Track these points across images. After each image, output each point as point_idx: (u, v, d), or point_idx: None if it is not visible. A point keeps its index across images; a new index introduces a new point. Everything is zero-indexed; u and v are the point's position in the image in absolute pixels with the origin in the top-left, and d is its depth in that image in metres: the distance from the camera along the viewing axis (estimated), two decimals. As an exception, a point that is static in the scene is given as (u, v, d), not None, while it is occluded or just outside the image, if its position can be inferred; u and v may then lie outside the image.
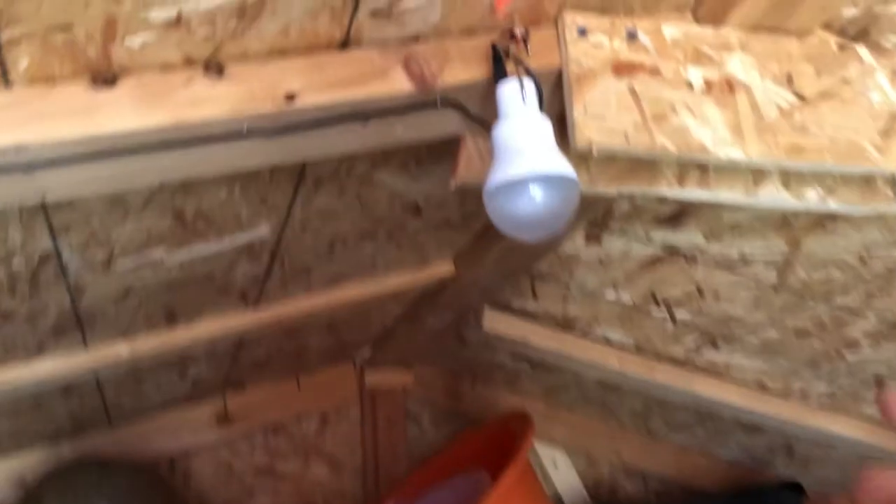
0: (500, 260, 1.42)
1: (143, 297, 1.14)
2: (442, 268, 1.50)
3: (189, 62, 0.66)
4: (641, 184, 0.89)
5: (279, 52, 0.69)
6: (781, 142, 0.81)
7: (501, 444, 1.75)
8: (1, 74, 0.60)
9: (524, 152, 0.68)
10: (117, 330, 1.24)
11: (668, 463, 2.30)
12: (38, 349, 1.20)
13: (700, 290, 1.50)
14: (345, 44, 0.72)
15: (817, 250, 1.32)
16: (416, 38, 0.75)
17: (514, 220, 0.69)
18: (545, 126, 0.71)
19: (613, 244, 1.39)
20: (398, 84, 0.72)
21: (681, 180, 0.90)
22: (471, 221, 1.31)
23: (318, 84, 0.69)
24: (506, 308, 1.70)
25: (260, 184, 0.93)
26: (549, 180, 0.67)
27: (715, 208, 1.25)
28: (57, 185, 0.67)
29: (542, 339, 1.72)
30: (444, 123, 0.81)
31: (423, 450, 2.16)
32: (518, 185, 0.67)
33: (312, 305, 1.41)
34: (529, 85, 0.70)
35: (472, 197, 1.20)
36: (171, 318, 1.28)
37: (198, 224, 0.97)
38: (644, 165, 0.88)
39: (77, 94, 0.63)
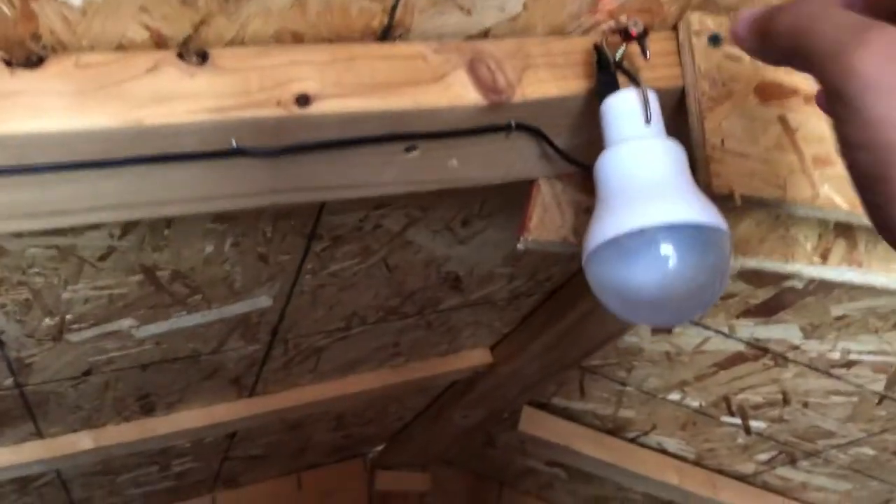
0: (547, 350, 1.18)
1: (109, 379, 0.91)
2: (477, 357, 1.26)
3: (158, 43, 0.45)
4: (772, 256, 0.65)
5: (293, 37, 0.48)
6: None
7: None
8: None
9: (650, 193, 0.45)
10: (77, 417, 1.00)
11: None
12: (-23, 439, 0.96)
13: (786, 396, 1.25)
14: (386, 33, 0.50)
15: (945, 355, 1.07)
16: (485, 34, 0.53)
17: (635, 295, 0.46)
18: (679, 155, 0.48)
19: (687, 335, 1.15)
20: (461, 93, 0.50)
21: (824, 255, 0.66)
22: (519, 302, 1.08)
23: (346, 85, 0.47)
24: (547, 406, 1.45)
25: (259, 236, 0.70)
26: (687, 235, 0.44)
27: (821, 297, 1.01)
28: (-48, 214, 0.45)
29: (587, 444, 1.46)
30: (514, 158, 0.59)
31: (439, 566, 1.87)
32: (643, 241, 0.44)
33: (320, 396, 1.17)
34: (653, 97, 0.48)
35: (529, 269, 0.97)
36: (147, 405, 1.04)
37: (176, 288, 0.74)
38: (776, 229, 0.65)
39: (-18, 75, 0.41)
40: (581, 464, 1.53)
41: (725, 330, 1.12)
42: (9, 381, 0.83)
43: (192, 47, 0.45)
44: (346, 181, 0.54)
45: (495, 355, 1.26)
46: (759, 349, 1.15)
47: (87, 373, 0.87)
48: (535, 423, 1.44)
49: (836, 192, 0.55)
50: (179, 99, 0.44)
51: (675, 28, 0.58)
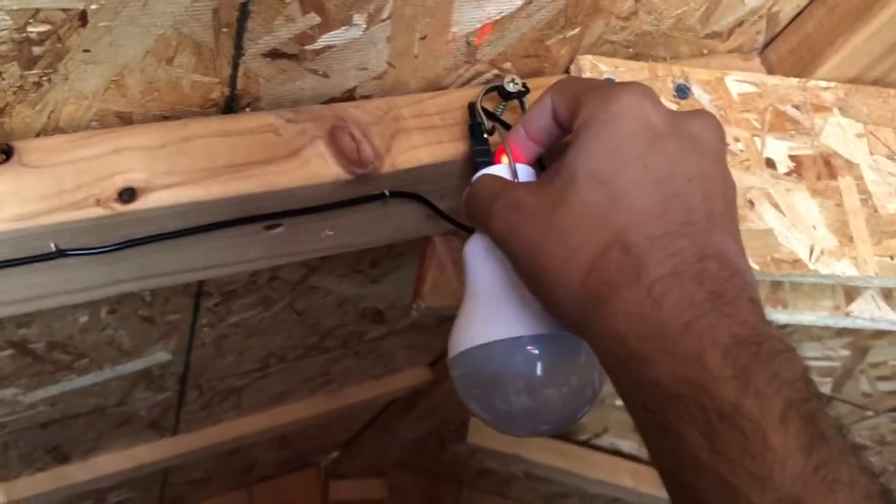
0: (487, 368, 1.14)
1: (7, 440, 0.85)
2: (417, 375, 1.21)
3: (-53, 137, 0.39)
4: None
5: (119, 118, 0.42)
6: (906, 247, 0.53)
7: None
8: None
9: (520, 289, 0.40)
10: (-18, 475, 0.94)
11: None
12: None
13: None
14: (231, 104, 0.44)
15: (887, 358, 1.04)
16: (350, 95, 0.48)
17: (506, 407, 0.41)
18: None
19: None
20: (319, 170, 0.44)
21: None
22: (451, 322, 1.03)
23: (179, 173, 0.41)
24: (495, 415, 1.41)
25: (137, 301, 0.64)
26: (558, 339, 0.39)
27: (769, 310, 0.97)
28: None
29: (538, 452, 1.42)
30: (400, 221, 0.53)
31: (399, 573, 1.84)
32: (510, 348, 0.39)
33: (249, 430, 1.12)
34: (526, 172, 0.42)
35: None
36: (60, 455, 0.98)
37: (56, 356, 0.68)
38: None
39: None
40: (535, 469, 1.50)
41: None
42: None
43: (-9, 142, 0.39)
44: (203, 263, 0.48)
45: (435, 372, 1.22)
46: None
47: (-20, 437, 0.81)
48: (484, 434, 1.40)
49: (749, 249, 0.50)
50: (-23, 206, 0.38)
51: (567, 71, 0.53)
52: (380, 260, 0.75)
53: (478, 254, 0.43)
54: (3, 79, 0.37)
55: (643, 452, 1.45)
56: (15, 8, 0.33)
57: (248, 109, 0.45)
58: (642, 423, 0.34)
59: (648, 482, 1.46)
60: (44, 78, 0.38)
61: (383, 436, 1.53)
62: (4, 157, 0.39)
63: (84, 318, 0.63)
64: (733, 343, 0.32)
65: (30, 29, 0.34)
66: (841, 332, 0.99)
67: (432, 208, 0.51)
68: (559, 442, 1.44)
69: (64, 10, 0.34)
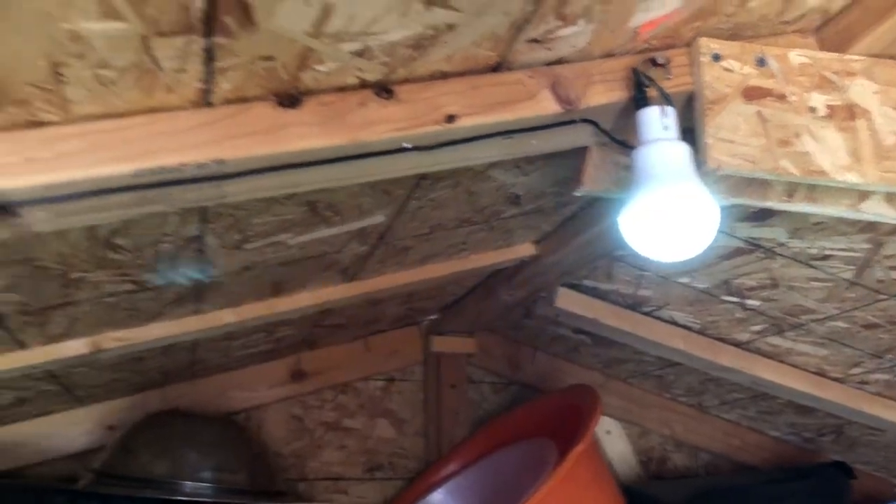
0: (583, 246, 1.48)
1: (259, 272, 1.22)
2: (524, 249, 1.56)
3: (363, 84, 0.72)
4: (753, 197, 0.93)
5: (440, 75, 0.75)
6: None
7: (566, 415, 1.82)
8: (204, 96, 0.67)
9: (665, 179, 0.73)
10: (227, 299, 1.32)
11: (717, 437, 2.38)
12: (157, 316, 1.28)
13: (775, 281, 1.55)
14: (497, 67, 0.77)
15: (898, 252, 1.35)
16: (560, 61, 0.80)
17: (652, 244, 0.74)
18: (685, 152, 0.76)
19: (696, 235, 1.44)
20: (546, 106, 0.77)
21: (790, 195, 0.94)
22: (563, 209, 1.36)
23: (475, 106, 0.75)
24: (578, 287, 1.76)
25: (387, 180, 0.99)
26: (689, 207, 0.72)
27: (802, 209, 1.29)
28: (236, 191, 0.74)
29: (611, 317, 1.78)
30: (576, 137, 0.86)
31: (481, 414, 2.25)
32: (660, 210, 0.72)
33: (401, 280, 1.48)
34: (671, 112, 0.75)
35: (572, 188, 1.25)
36: (277, 289, 1.36)
37: (326, 213, 1.03)
38: (757, 181, 0.92)
39: (266, 113, 0.69)
40: (604, 332, 1.86)
41: (727, 230, 1.41)
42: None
43: (383, 87, 0.73)
44: (466, 157, 0.82)
45: (539, 248, 1.56)
46: (754, 245, 1.44)
47: (246, 268, 1.18)
48: (569, 301, 1.75)
49: (792, 164, 0.82)
50: (379, 123, 0.72)
51: (689, 45, 0.84)
52: (534, 159, 1.08)
53: (640, 159, 0.76)
54: (401, 55, 0.70)
55: (694, 323, 1.80)
56: None
57: (506, 71, 0.78)
58: None
59: (697, 346, 1.81)
60: (419, 54, 0.71)
61: (484, 300, 1.89)
62: (388, 95, 0.73)
63: (355, 188, 0.98)
64: None
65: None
66: (863, 227, 1.30)
67: (600, 128, 0.83)
68: (627, 311, 1.79)
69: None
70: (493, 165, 1.05)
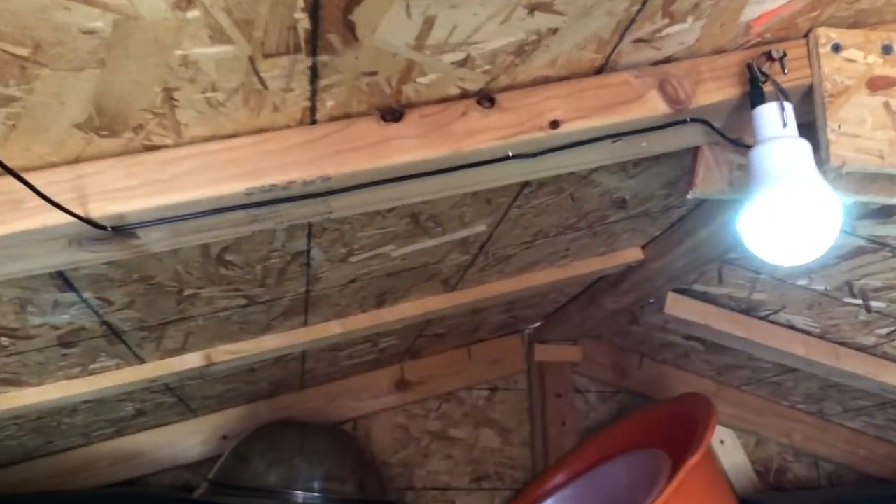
0: (693, 249, 1.43)
1: (364, 284, 1.23)
2: (630, 255, 1.51)
3: (464, 94, 0.71)
4: (880, 194, 0.87)
5: (543, 80, 0.73)
6: None
7: (679, 424, 1.76)
8: (309, 113, 0.67)
9: (785, 178, 0.69)
10: (334, 311, 1.34)
11: (840, 447, 2.25)
12: (267, 329, 1.31)
13: (902, 282, 1.45)
14: (602, 69, 0.75)
15: None
16: (667, 60, 0.77)
17: (772, 247, 0.70)
18: (806, 149, 0.71)
19: (814, 235, 1.36)
20: (654, 106, 0.74)
21: (921, 190, 0.88)
22: (671, 212, 1.32)
23: (579, 110, 0.73)
24: (687, 292, 1.70)
25: (490, 189, 0.97)
26: (811, 208, 0.68)
27: (933, 203, 1.20)
28: (342, 206, 0.74)
29: (724, 322, 1.71)
30: (687, 137, 0.83)
31: (588, 423, 2.21)
32: (780, 211, 0.68)
33: (503, 289, 1.47)
34: (789, 108, 0.71)
35: (683, 190, 1.20)
36: (381, 300, 1.37)
37: (428, 224, 1.03)
38: (884, 176, 0.87)
39: (369, 128, 0.69)
40: (717, 338, 1.79)
41: (848, 229, 1.33)
42: (303, 290, 1.16)
43: (484, 96, 0.72)
44: (572, 163, 0.80)
45: (646, 253, 1.52)
46: (878, 244, 1.35)
47: (352, 281, 1.19)
48: (679, 306, 1.70)
49: (926, 157, 0.76)
50: (481, 132, 0.71)
51: (805, 36, 0.79)
52: (641, 161, 1.05)
53: (758, 157, 0.72)
54: (503, 63, 0.69)
55: (814, 327, 1.70)
56: None
57: (610, 72, 0.75)
58: None
59: (818, 351, 1.72)
60: (521, 61, 0.69)
61: (588, 307, 1.86)
62: (490, 103, 0.72)
63: (456, 198, 0.97)
64: None
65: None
66: None
67: (712, 127, 0.80)
68: (742, 315, 1.72)
69: (549, 28, 0.65)
70: (597, 169, 1.02)
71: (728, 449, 2.24)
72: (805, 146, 0.72)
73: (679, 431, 1.72)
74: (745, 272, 1.57)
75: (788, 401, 2.20)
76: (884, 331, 1.64)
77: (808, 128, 0.79)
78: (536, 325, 2.15)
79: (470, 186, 0.78)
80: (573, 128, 0.72)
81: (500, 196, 1.01)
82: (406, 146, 0.69)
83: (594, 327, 2.06)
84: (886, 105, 0.77)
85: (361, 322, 1.41)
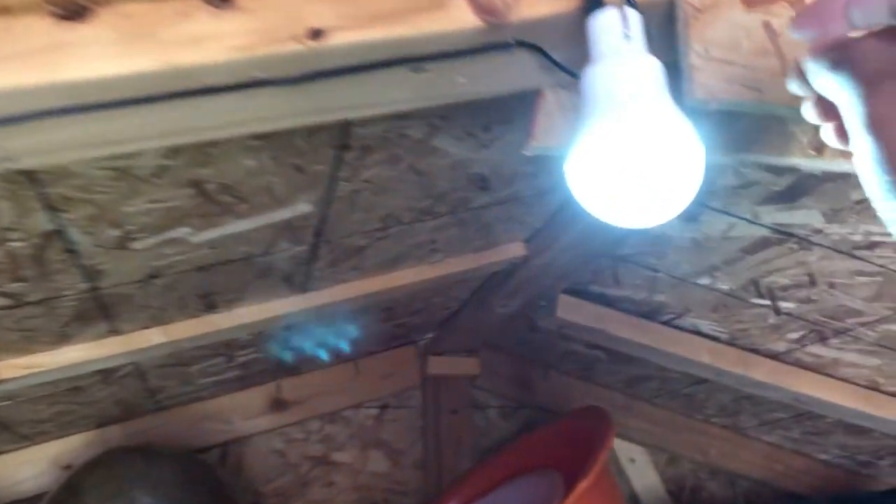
0: (579, 242, 1.25)
1: (171, 281, 1.01)
2: (512, 250, 1.33)
3: (185, -12, 0.51)
4: (769, 152, 0.70)
5: (304, -25, 0.53)
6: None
7: (576, 442, 1.58)
8: (-64, 2, 0.46)
9: (626, 105, 0.50)
10: (148, 315, 1.11)
11: (757, 462, 2.10)
12: (63, 338, 1.08)
13: (812, 278, 1.30)
14: (389, -36, 0.55)
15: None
16: (482, -42, 0.57)
17: (610, 200, 0.51)
18: (655, 69, 0.53)
19: (713, 223, 1.20)
20: (460, 16, 0.55)
21: (818, 147, 0.70)
22: (547, 197, 1.13)
23: (352, 17, 0.53)
24: (582, 294, 1.52)
25: (294, 150, 0.77)
26: (661, 146, 0.49)
27: (840, 183, 1.04)
28: (26, 148, 0.53)
29: (622, 328, 1.54)
30: (517, 73, 0.63)
31: (489, 442, 2.01)
32: (617, 150, 0.49)
33: (365, 290, 1.26)
34: (634, 15, 0.52)
35: (551, 168, 1.02)
36: (210, 303, 1.14)
37: (224, 199, 0.82)
38: (774, 127, 0.69)
39: (39, 30, 0.48)
40: (618, 346, 1.62)
41: (749, 216, 1.17)
42: (84, 286, 0.93)
43: (215, -9, 0.51)
44: (362, 101, 0.60)
45: (529, 248, 1.33)
46: (784, 234, 1.19)
47: (153, 276, 0.97)
48: (572, 310, 1.52)
49: (817, 92, 0.59)
50: (209, 40, 0.50)
51: (666, -62, 0.61)
52: (491, 126, 0.86)
53: (590, 80, 0.53)
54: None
55: (721, 332, 1.54)
56: None
57: (402, -31, 0.56)
58: None
59: (726, 360, 1.56)
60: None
61: (478, 312, 1.66)
62: (223, 1, 0.51)
63: (250, 163, 0.77)
64: None
65: None
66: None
67: (547, 57, 0.61)
68: (642, 319, 1.55)
69: None
70: (435, 131, 0.82)
71: (639, 467, 2.07)
72: (654, 65, 0.53)
73: (576, 450, 1.54)
74: (641, 270, 1.39)
75: (702, 414, 2.04)
76: (795, 335, 1.49)
77: (673, 67, 0.60)
78: (430, 335, 1.95)
79: (214, 130, 0.57)
80: (344, 39, 0.52)
81: (311, 162, 0.81)
82: (93, 55, 0.48)
83: (491, 335, 1.87)
84: (767, 25, 0.59)
85: (189, 329, 1.19)
